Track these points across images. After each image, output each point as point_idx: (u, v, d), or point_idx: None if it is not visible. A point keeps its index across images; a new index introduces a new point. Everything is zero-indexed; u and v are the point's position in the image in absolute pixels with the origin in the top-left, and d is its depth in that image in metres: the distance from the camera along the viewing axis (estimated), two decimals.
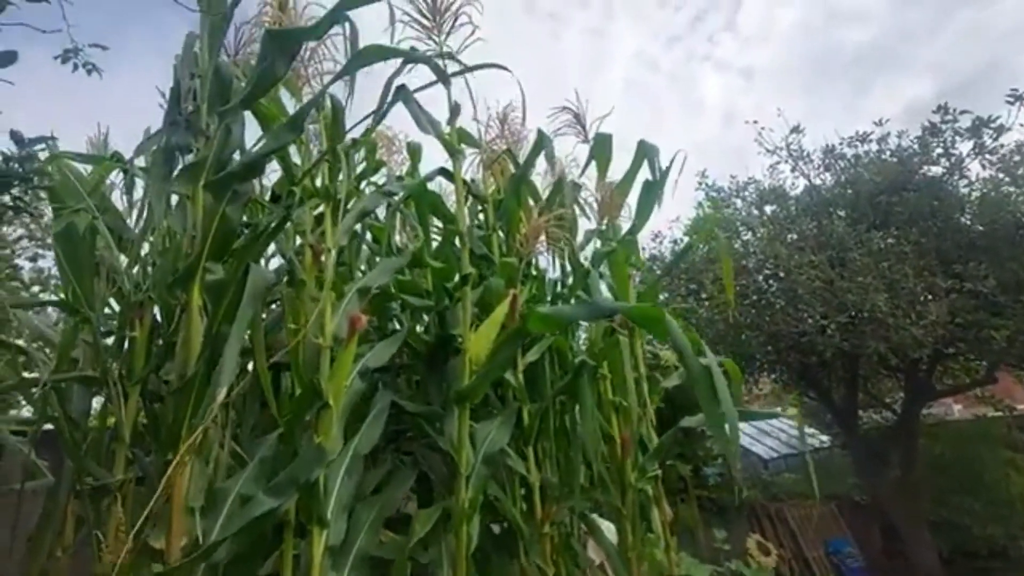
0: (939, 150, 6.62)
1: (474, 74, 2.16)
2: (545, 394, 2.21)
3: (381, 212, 2.95)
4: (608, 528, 2.69)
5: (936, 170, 6.69)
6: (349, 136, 2.59)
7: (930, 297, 5.95)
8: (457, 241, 2.08)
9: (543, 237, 2.44)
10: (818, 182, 8.17)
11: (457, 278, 1.99)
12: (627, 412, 2.40)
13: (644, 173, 2.81)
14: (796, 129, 8.29)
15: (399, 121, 2.19)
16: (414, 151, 3.14)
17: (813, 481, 2.69)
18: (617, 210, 2.92)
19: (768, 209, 8.40)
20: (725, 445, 1.24)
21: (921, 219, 6.48)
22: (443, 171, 2.46)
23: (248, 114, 1.82)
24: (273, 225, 1.46)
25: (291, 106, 2.05)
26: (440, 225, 2.83)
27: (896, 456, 8.21)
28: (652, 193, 2.78)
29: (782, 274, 6.55)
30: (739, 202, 8.54)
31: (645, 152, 2.74)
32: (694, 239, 3.17)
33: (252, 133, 2.00)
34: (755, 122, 8.51)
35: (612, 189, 2.97)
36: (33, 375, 2.01)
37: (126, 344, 1.80)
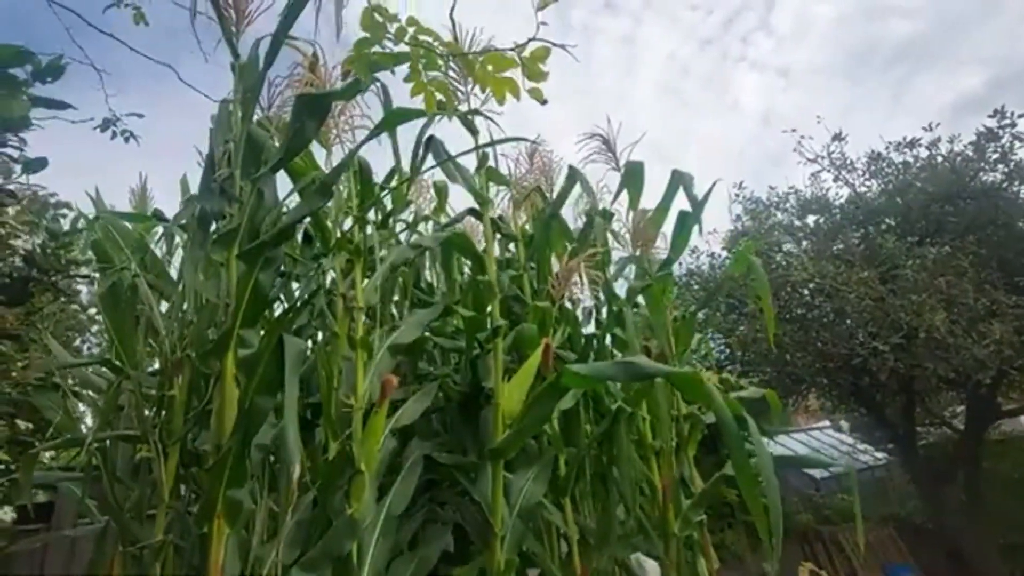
0: (996, 155, 6.25)
1: (501, 112, 2.15)
2: (581, 441, 2.15)
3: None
4: (653, 568, 2.59)
5: (993, 176, 6.31)
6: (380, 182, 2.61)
7: (993, 311, 5.58)
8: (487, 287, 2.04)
9: (576, 277, 2.39)
10: (863, 190, 7.84)
11: (488, 329, 1.96)
12: (667, 456, 2.31)
13: (679, 201, 2.73)
14: (838, 136, 7.99)
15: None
16: (441, 191, 3.15)
17: (856, 505, 2.44)
18: (651, 241, 2.84)
19: (811, 219, 8.11)
20: (759, 518, 1.14)
21: (978, 228, 6.11)
22: (472, 212, 2.45)
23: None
24: (304, 298, 1.46)
25: (321, 157, 2.08)
26: (470, 264, 2.82)
27: (960, 475, 7.70)
28: (688, 224, 2.69)
29: (828, 289, 6.27)
30: (780, 214, 8.27)
31: (680, 181, 2.66)
32: (730, 271, 3.05)
33: (284, 182, 2.04)
34: (794, 131, 8.25)
35: (645, 218, 2.90)
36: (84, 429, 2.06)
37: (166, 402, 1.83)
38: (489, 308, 2.03)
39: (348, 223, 1.93)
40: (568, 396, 1.96)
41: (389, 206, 2.90)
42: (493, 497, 1.77)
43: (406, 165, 2.01)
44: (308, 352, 2.16)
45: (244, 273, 1.47)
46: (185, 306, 1.75)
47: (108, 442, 1.96)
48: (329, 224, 2.03)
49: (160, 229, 2.24)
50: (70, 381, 2.34)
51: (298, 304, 1.49)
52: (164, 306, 2.13)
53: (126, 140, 1.87)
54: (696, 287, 8.23)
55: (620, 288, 2.84)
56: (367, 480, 1.51)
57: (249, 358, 1.36)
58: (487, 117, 1.90)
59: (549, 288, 2.30)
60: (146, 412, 1.91)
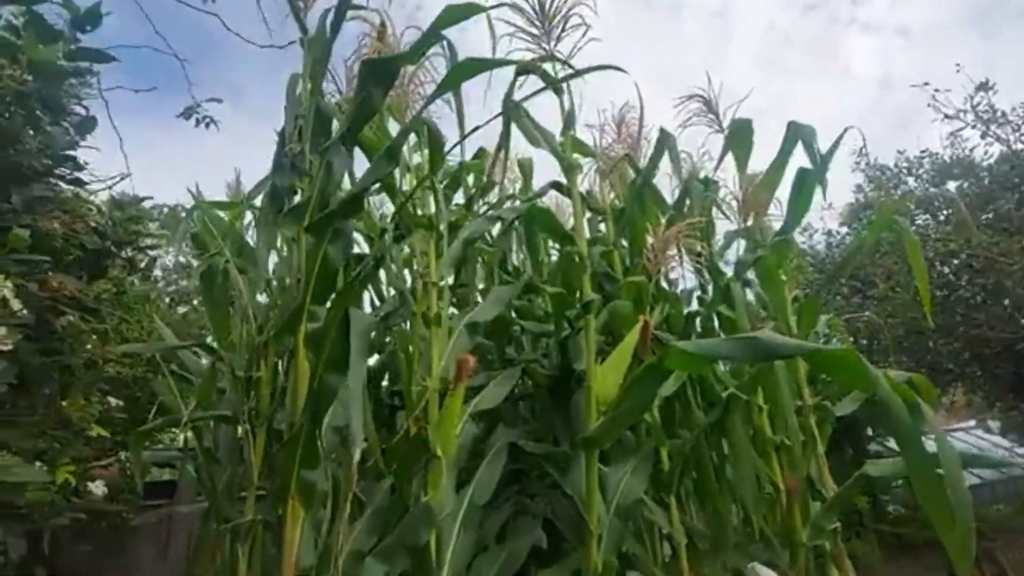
0: None
1: (586, 78, 1.95)
2: (687, 432, 1.89)
3: (494, 230, 2.85)
4: None
5: None
6: (457, 160, 2.53)
7: None
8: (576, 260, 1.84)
9: (674, 250, 2.12)
10: (1020, 147, 6.63)
11: (578, 305, 1.76)
12: (791, 452, 1.98)
13: (796, 159, 2.36)
14: (984, 86, 6.82)
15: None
16: (524, 166, 2.99)
17: None
18: (763, 207, 2.49)
19: (952, 185, 7.02)
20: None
21: None
22: (556, 185, 2.26)
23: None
24: (369, 266, 1.36)
25: (395, 131, 2.00)
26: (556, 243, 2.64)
27: None
28: (809, 184, 2.31)
29: (981, 263, 5.34)
30: (912, 180, 7.24)
31: (798, 135, 2.29)
32: (864, 235, 2.55)
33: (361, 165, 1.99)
34: (926, 84, 7.17)
35: (755, 183, 2.55)
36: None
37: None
38: (579, 290, 1.83)
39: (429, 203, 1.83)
40: (670, 381, 1.72)
41: (472, 187, 2.80)
42: (587, 491, 1.57)
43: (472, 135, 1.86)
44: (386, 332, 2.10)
45: (313, 246, 1.40)
46: (265, 286, 1.73)
47: (211, 423, 2.02)
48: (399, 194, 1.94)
49: (249, 216, 2.29)
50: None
51: (362, 275, 1.39)
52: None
53: (207, 126, 1.92)
54: (811, 268, 7.43)
55: (728, 269, 2.52)
56: (444, 466, 1.38)
57: (315, 333, 1.28)
58: (572, 67, 1.70)
59: (644, 262, 2.06)
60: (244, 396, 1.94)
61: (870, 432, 6.82)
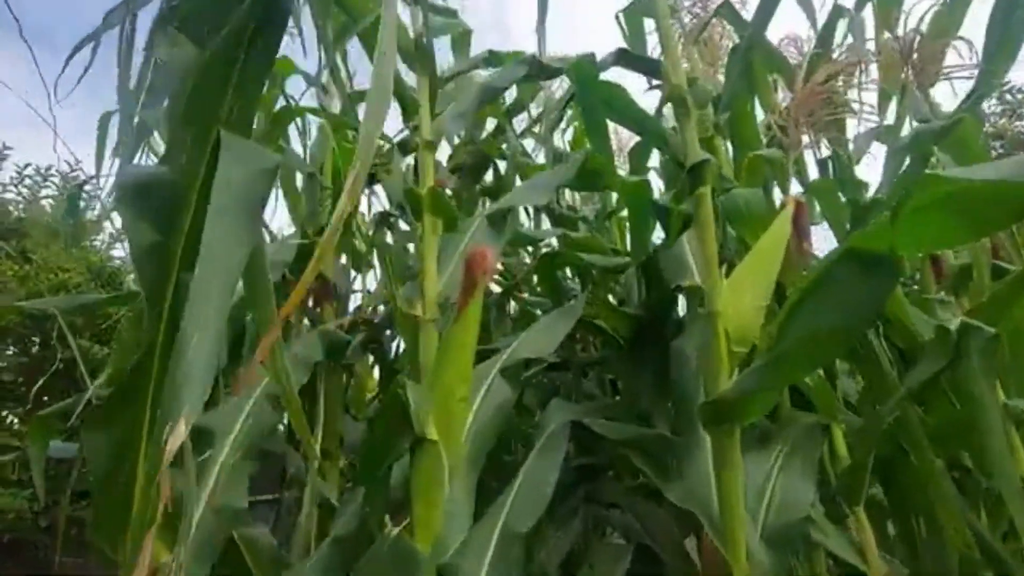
0: None
1: None
2: (879, 398, 1.12)
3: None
4: None
5: None
6: (487, 49, 1.89)
7: None
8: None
9: (819, 111, 1.34)
10: None
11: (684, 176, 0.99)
12: None
13: None
14: None
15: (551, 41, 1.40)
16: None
17: None
18: (935, 64, 1.65)
19: None
20: None
21: None
22: (621, 56, 1.53)
23: None
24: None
25: None
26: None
27: None
28: (1019, 15, 1.47)
29: None
30: None
31: None
32: None
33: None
34: None
35: (914, 36, 1.72)
36: None
37: None
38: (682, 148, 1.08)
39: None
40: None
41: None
42: (724, 500, 0.84)
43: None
44: None
45: (189, 57, 0.74)
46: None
47: None
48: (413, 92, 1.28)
49: None
50: None
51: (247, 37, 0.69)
52: None
53: None
54: None
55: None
56: (443, 457, 0.69)
57: (135, 187, 0.62)
58: None
59: (779, 134, 1.30)
60: None
61: None
